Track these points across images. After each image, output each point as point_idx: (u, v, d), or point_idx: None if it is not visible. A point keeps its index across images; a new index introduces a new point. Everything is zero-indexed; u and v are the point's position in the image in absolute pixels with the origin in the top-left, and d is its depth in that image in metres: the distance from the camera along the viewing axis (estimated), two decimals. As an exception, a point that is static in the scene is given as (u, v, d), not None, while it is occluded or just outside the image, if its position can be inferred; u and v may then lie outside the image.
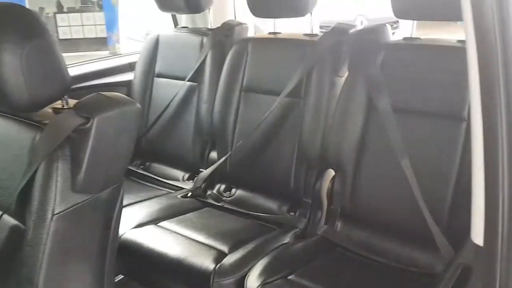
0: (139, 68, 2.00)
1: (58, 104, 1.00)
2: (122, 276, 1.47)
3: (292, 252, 1.32)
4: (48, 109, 0.99)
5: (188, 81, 1.85)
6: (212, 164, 1.74)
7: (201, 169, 1.82)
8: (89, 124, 0.85)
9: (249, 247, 1.33)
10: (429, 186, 1.25)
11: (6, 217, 0.90)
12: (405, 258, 1.29)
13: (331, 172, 1.49)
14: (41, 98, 0.92)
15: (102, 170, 0.90)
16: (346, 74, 1.47)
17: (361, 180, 1.37)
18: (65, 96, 0.98)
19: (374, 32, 1.44)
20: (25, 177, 0.86)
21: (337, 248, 1.36)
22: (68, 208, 0.85)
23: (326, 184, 1.49)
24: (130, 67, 2.12)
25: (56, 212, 0.84)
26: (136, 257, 1.35)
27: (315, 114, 1.51)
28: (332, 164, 1.45)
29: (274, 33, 1.75)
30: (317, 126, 1.50)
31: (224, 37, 1.81)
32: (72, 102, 0.98)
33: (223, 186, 1.76)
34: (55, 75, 0.93)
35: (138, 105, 0.96)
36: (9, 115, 0.98)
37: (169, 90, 1.91)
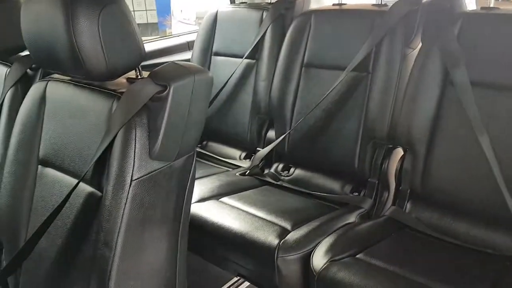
0: (197, 46, 2.00)
1: (131, 74, 1.00)
2: (185, 249, 1.49)
3: (359, 231, 1.27)
4: (122, 79, 1.00)
5: (246, 58, 1.83)
6: (270, 143, 1.71)
7: (258, 148, 1.81)
8: (165, 92, 0.85)
9: (313, 224, 1.30)
10: (509, 165, 1.16)
11: (82, 184, 0.92)
12: (480, 240, 1.21)
13: (399, 151, 1.42)
14: (118, 66, 0.93)
15: (178, 137, 0.90)
16: (419, 46, 1.38)
17: (434, 159, 1.29)
18: (139, 66, 0.99)
19: (449, 1, 1.34)
20: (103, 145, 0.87)
21: (406, 229, 1.30)
22: (146, 175, 0.86)
23: (394, 163, 1.42)
24: (188, 46, 2.13)
25: (134, 178, 0.85)
26: (199, 231, 1.36)
27: (384, 89, 1.43)
28: (402, 143, 1.38)
29: (339, 4, 1.67)
30: (386, 102, 1.42)
31: (285, 10, 1.77)
32: (145, 72, 0.98)
33: (281, 166, 1.73)
34: (131, 43, 0.93)
35: (210, 74, 0.95)
36: (84, 85, 1.00)
37: (227, 68, 1.89)
